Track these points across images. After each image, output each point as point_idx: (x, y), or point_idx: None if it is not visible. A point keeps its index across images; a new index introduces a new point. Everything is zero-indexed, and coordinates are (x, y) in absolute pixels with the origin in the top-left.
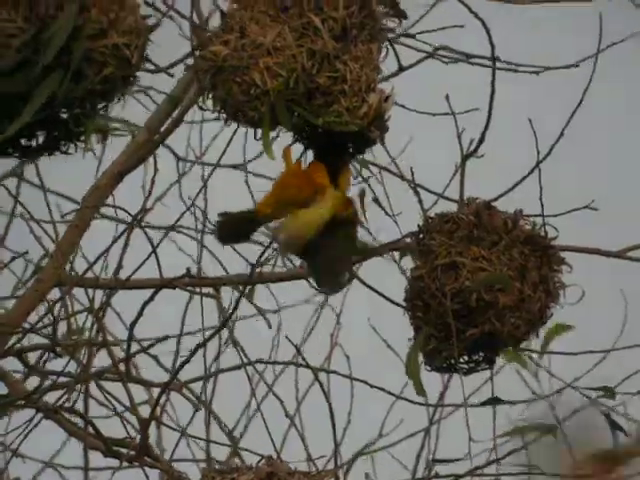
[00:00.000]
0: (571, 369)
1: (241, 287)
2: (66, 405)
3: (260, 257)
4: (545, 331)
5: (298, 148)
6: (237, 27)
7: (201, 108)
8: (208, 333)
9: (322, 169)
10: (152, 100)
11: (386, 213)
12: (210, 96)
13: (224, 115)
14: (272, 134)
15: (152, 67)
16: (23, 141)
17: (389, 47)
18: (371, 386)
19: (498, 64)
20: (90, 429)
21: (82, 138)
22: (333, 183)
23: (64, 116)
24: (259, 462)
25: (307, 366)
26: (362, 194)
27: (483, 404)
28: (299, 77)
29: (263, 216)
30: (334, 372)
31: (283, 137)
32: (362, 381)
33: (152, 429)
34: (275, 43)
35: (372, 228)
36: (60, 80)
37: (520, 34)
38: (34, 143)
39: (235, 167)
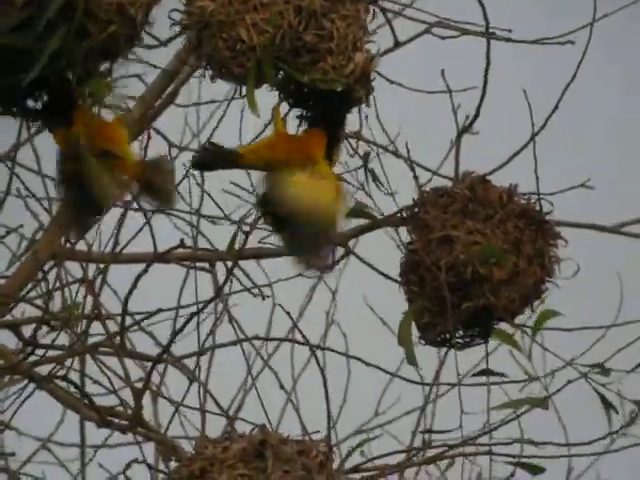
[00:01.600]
0: (567, 346)
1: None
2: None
3: (251, 229)
4: (537, 314)
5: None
6: None
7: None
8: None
9: (321, 139)
10: (141, 80)
11: (382, 190)
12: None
13: (209, 72)
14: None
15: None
16: (28, 102)
17: (386, 23)
18: (367, 364)
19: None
20: (84, 399)
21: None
22: (327, 155)
23: (68, 76)
24: (252, 430)
25: (305, 343)
26: (366, 156)
27: (476, 375)
28: (285, 34)
29: (245, 162)
30: (331, 350)
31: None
32: (358, 359)
33: (147, 404)
34: None
35: (369, 204)
36: (64, 36)
37: (515, 8)
38: (38, 105)
39: None
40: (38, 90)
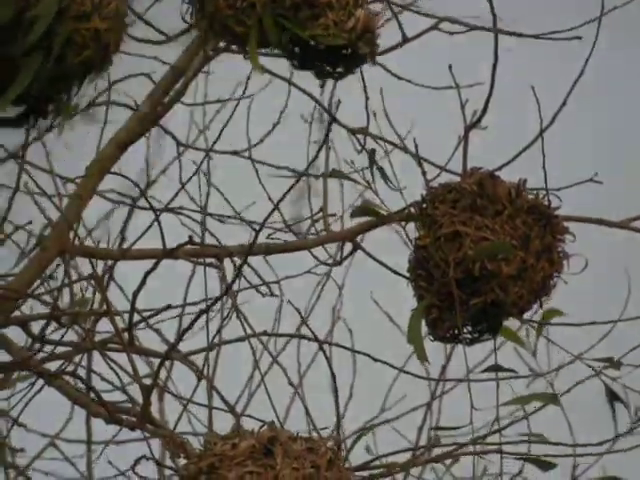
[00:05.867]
0: (573, 342)
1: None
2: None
3: (261, 227)
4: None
5: None
6: None
7: (190, 25)
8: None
9: None
10: (149, 77)
11: (390, 186)
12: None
13: (212, 34)
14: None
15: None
16: None
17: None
18: (374, 359)
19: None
20: (92, 395)
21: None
22: None
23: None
24: (261, 428)
25: (314, 339)
26: (372, 153)
27: (485, 371)
28: None
29: None
30: (339, 345)
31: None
32: (365, 354)
33: (154, 401)
34: None
35: (377, 200)
36: (41, 61)
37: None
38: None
39: (235, 153)
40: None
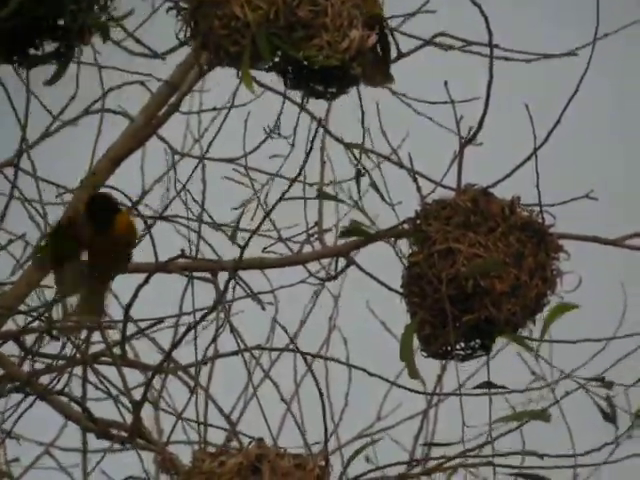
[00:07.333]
0: (569, 358)
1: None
2: (60, 387)
3: (248, 240)
4: (548, 312)
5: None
6: None
7: (181, 42)
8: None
9: None
10: (144, 85)
11: (384, 201)
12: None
13: (206, 52)
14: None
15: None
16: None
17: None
18: (370, 374)
19: (495, 52)
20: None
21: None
22: None
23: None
24: (249, 444)
25: (305, 353)
26: (358, 174)
27: (476, 387)
28: (279, 10)
29: None
30: (332, 359)
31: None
32: (360, 368)
33: (149, 412)
34: None
35: (371, 215)
36: None
37: (519, 19)
38: (40, 52)
39: (230, 161)
40: (38, 37)
